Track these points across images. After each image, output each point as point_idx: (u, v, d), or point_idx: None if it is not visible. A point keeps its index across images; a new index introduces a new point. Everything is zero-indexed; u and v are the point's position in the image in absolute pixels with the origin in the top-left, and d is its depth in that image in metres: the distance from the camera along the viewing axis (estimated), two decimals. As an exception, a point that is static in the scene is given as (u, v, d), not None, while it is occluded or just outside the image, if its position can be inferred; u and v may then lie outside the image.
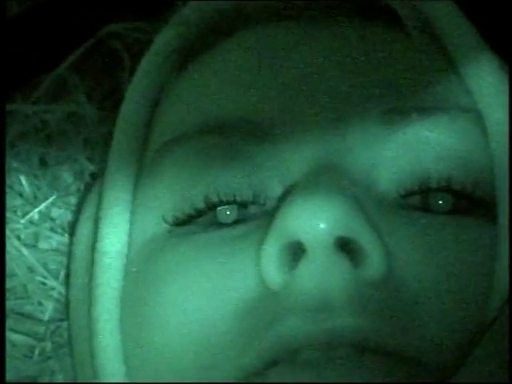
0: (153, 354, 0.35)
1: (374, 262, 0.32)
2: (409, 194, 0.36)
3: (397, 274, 0.33)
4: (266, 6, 0.41)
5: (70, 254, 0.45)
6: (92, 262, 0.40)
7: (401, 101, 0.37)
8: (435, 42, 0.39)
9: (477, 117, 0.37)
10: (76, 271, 0.43)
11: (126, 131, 0.42)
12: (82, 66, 0.52)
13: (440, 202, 0.36)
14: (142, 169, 0.41)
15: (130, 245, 0.39)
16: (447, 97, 0.37)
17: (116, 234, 0.39)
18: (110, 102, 0.49)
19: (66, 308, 0.46)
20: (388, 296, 0.32)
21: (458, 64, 0.38)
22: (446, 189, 0.36)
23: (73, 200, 0.49)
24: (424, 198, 0.36)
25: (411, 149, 0.36)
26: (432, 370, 0.31)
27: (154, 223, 0.38)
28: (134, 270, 0.38)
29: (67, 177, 0.50)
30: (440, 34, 0.39)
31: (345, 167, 0.35)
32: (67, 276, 0.45)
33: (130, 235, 0.40)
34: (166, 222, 0.38)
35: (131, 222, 0.40)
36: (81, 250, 0.43)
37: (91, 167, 0.49)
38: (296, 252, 0.32)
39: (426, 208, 0.36)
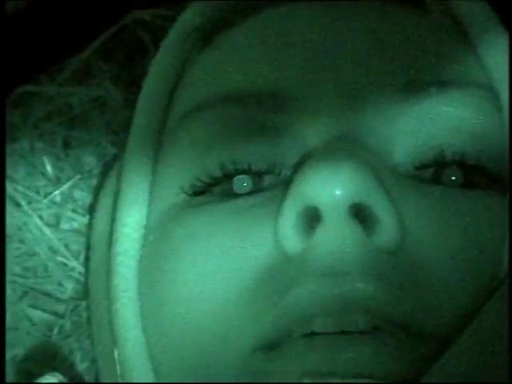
0: (171, 321, 0.36)
1: (388, 230, 0.33)
2: (423, 166, 0.37)
3: (409, 243, 0.33)
4: None
5: (90, 228, 0.46)
6: (111, 233, 0.41)
7: (419, 75, 0.38)
8: (455, 22, 0.40)
9: (492, 94, 0.38)
10: (96, 243, 0.44)
11: (148, 104, 0.43)
12: (107, 51, 0.53)
13: (453, 178, 0.37)
14: (162, 140, 0.42)
15: (148, 215, 0.40)
16: (464, 73, 0.38)
17: (135, 205, 0.40)
18: (134, 87, 0.49)
19: (85, 283, 0.46)
20: (400, 264, 0.33)
21: (476, 43, 0.39)
22: (460, 163, 0.37)
23: (95, 183, 0.49)
24: (438, 172, 0.37)
25: (427, 122, 0.37)
26: (434, 340, 0.32)
27: (172, 193, 0.39)
28: (152, 238, 0.39)
29: (90, 160, 0.50)
30: (459, 15, 0.40)
31: (361, 138, 0.36)
32: (87, 249, 0.46)
33: (149, 206, 0.41)
34: (183, 191, 0.39)
35: (150, 193, 0.41)
36: (101, 222, 0.44)
37: (114, 151, 0.50)
38: (313, 218, 0.33)
39: (439, 181, 0.37)
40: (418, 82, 0.37)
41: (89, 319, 0.45)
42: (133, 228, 0.40)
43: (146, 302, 0.38)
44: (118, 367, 0.38)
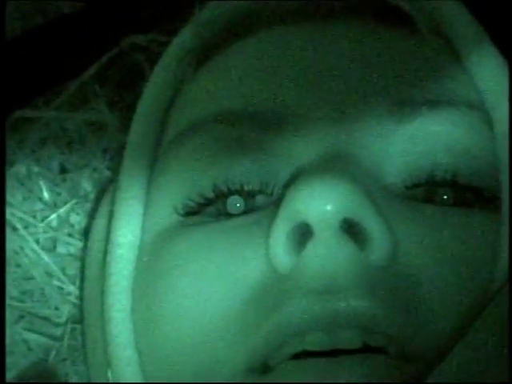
0: (163, 341, 0.37)
1: (379, 245, 0.33)
2: (414, 185, 0.37)
3: (401, 260, 0.34)
4: (280, 7, 0.44)
5: (85, 249, 0.47)
6: (105, 254, 0.41)
7: (410, 94, 0.38)
8: (444, 41, 0.41)
9: (483, 113, 0.38)
10: (90, 264, 0.45)
11: (142, 127, 0.44)
12: (104, 75, 0.54)
13: (444, 197, 0.37)
14: (156, 162, 0.43)
15: (142, 236, 0.41)
16: (456, 92, 0.39)
17: (129, 226, 0.41)
18: (131, 111, 0.49)
19: (80, 305, 0.47)
20: (392, 280, 0.33)
21: (466, 61, 0.40)
22: (452, 182, 0.37)
23: (91, 207, 0.50)
24: (429, 191, 0.37)
25: (419, 142, 0.37)
26: (427, 357, 0.33)
27: (165, 214, 0.40)
28: (146, 259, 0.40)
29: (87, 184, 0.51)
30: (448, 33, 0.41)
31: (353, 157, 0.36)
32: (82, 273, 0.47)
33: (142, 227, 0.41)
34: (176, 212, 0.39)
35: (144, 214, 0.42)
36: (95, 244, 0.45)
37: (110, 175, 0.50)
38: (304, 234, 0.33)
39: (430, 200, 0.37)
40: (408, 101, 0.38)
41: (83, 342, 0.46)
42: (126, 249, 0.41)
43: (139, 323, 0.39)
44: None
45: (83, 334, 0.46)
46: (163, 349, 0.37)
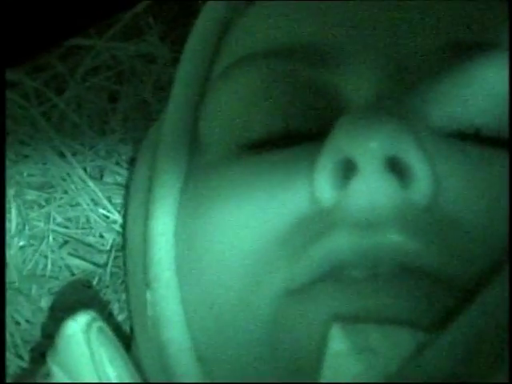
0: (204, 266, 0.37)
1: (422, 185, 0.33)
2: (460, 126, 0.37)
3: (444, 199, 0.34)
4: None
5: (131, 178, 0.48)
6: (150, 179, 0.42)
7: (462, 36, 0.38)
8: None
9: None
10: (135, 190, 0.45)
11: (193, 56, 0.44)
12: (158, 8, 0.54)
13: (489, 139, 0.37)
14: (206, 92, 0.43)
15: (189, 164, 0.42)
16: (506, 37, 0.38)
17: (175, 155, 0.42)
18: (183, 46, 0.50)
19: (123, 231, 0.48)
20: (434, 218, 0.34)
21: None
22: (496, 124, 0.37)
23: (139, 137, 0.50)
24: (474, 132, 0.37)
25: (468, 84, 0.37)
26: (461, 291, 0.33)
27: (213, 146, 0.40)
28: (191, 186, 0.40)
29: (136, 115, 0.51)
30: None
31: (400, 96, 0.36)
32: (127, 198, 0.48)
33: (189, 155, 0.42)
34: (224, 142, 0.40)
35: (190, 144, 0.42)
36: (141, 171, 0.45)
37: (160, 107, 0.51)
38: (348, 170, 0.34)
39: (478, 143, 0.37)
40: (459, 43, 0.38)
41: (125, 268, 0.46)
42: (172, 175, 0.41)
43: (182, 247, 0.40)
44: (149, 309, 0.39)
45: (124, 257, 0.46)
46: (203, 273, 0.38)
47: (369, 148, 0.32)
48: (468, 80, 0.37)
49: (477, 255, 0.34)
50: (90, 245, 0.49)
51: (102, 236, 0.49)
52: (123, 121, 0.51)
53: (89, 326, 0.40)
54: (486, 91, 0.37)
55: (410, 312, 0.32)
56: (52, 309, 0.48)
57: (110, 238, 0.49)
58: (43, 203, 0.50)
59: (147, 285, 0.40)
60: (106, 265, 0.48)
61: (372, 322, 0.32)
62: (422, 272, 0.33)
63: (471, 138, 0.37)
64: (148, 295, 0.39)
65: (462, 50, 0.38)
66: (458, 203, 0.34)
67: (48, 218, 0.49)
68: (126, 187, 0.49)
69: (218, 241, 0.37)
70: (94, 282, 0.48)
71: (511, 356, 0.31)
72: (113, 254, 0.48)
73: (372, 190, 0.33)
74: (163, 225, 0.40)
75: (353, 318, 0.32)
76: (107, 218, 0.49)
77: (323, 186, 0.34)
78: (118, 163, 0.50)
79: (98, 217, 0.49)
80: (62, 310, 0.47)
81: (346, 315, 0.32)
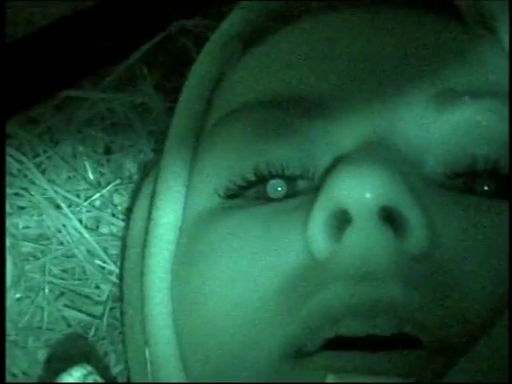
0: (201, 322, 0.38)
1: (417, 235, 0.34)
2: (455, 175, 0.38)
3: (439, 250, 0.35)
4: None
5: (126, 230, 0.48)
6: (146, 234, 0.43)
7: (453, 83, 0.39)
8: (488, 31, 0.42)
9: None
10: (131, 244, 0.46)
11: (186, 109, 0.45)
12: (152, 58, 0.55)
13: (485, 188, 0.38)
14: (199, 144, 0.44)
15: (183, 218, 0.42)
16: (498, 83, 0.39)
17: (171, 207, 0.42)
18: (177, 95, 0.51)
19: (119, 284, 0.48)
20: (429, 270, 0.34)
21: (508, 52, 0.40)
22: (493, 172, 0.38)
23: (136, 188, 0.51)
24: (470, 181, 0.38)
25: (461, 131, 0.38)
26: (460, 347, 0.33)
27: (207, 196, 0.41)
28: (185, 240, 0.41)
29: (131, 166, 0.53)
30: (492, 23, 0.41)
31: (394, 145, 0.37)
32: (123, 252, 0.48)
33: (184, 208, 0.42)
34: (218, 194, 0.40)
35: (186, 196, 0.43)
36: (136, 224, 0.46)
37: (155, 158, 0.52)
38: (343, 221, 0.34)
39: (470, 190, 0.38)
40: (451, 90, 0.39)
41: (122, 320, 0.47)
42: (167, 229, 0.42)
43: (178, 303, 0.40)
44: (149, 366, 0.40)
45: (122, 313, 0.47)
46: (200, 330, 0.38)
47: (362, 198, 0.33)
48: (461, 126, 0.38)
49: (473, 307, 0.34)
50: (86, 296, 0.50)
51: (98, 287, 0.50)
52: (118, 172, 0.52)
53: (84, 379, 0.41)
54: (481, 136, 0.38)
55: (406, 368, 0.33)
56: (48, 361, 0.48)
57: (106, 289, 0.50)
58: (39, 255, 0.51)
59: (146, 342, 0.40)
60: (102, 316, 0.49)
61: (366, 376, 0.32)
62: (419, 325, 0.33)
63: (468, 181, 0.38)
64: (147, 352, 0.40)
65: (455, 98, 0.38)
66: (453, 253, 0.35)
67: (44, 269, 0.50)
68: (122, 238, 0.50)
69: (213, 297, 0.37)
70: (91, 334, 0.49)
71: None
72: (109, 305, 0.49)
73: (366, 241, 0.34)
74: (160, 281, 0.41)
75: (347, 371, 0.33)
76: (103, 268, 0.50)
77: (318, 238, 0.35)
78: (113, 214, 0.51)
79: (94, 268, 0.50)
80: (58, 361, 0.48)
81: (341, 369, 0.33)
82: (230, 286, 0.37)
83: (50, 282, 0.50)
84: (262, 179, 0.39)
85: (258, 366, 0.35)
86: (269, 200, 0.39)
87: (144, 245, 0.43)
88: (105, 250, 0.50)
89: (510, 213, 0.36)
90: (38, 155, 0.52)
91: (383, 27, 0.41)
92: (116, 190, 0.52)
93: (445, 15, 0.43)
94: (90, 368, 0.41)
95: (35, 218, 0.51)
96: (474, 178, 0.38)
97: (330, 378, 0.33)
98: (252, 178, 0.39)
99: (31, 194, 0.51)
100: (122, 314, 0.47)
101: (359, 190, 0.33)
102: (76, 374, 0.41)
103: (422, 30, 0.41)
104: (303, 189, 0.39)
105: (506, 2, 0.41)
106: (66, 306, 0.49)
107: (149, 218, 0.43)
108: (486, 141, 0.38)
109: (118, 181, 0.52)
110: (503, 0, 0.41)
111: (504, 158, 0.38)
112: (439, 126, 0.38)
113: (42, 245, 0.50)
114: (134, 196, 0.50)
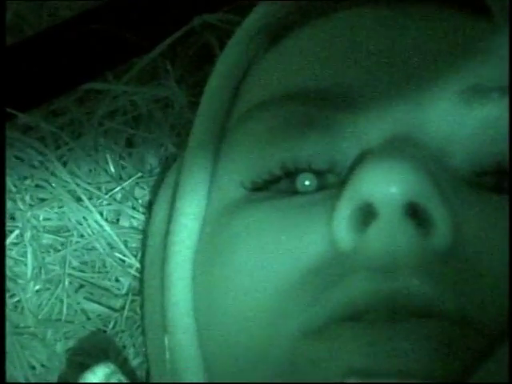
0: (222, 311, 0.39)
1: (442, 232, 0.35)
2: (483, 173, 0.38)
3: (463, 247, 0.35)
4: None
5: (148, 221, 0.49)
6: (169, 222, 0.44)
7: (481, 79, 0.39)
8: None
9: None
10: (153, 234, 0.47)
11: (212, 101, 0.46)
12: (175, 52, 0.56)
13: None
14: (225, 136, 0.45)
15: (207, 208, 0.43)
16: None
17: (195, 197, 0.43)
18: (199, 89, 0.51)
19: (140, 275, 0.49)
20: (452, 266, 0.35)
21: None
22: None
23: (157, 182, 0.52)
24: (498, 179, 0.38)
25: (488, 128, 0.38)
26: (489, 337, 0.34)
27: (232, 188, 0.42)
28: (209, 230, 0.42)
29: (152, 159, 0.53)
30: None
31: (421, 140, 0.38)
32: (144, 243, 0.49)
33: (208, 198, 0.43)
34: (244, 187, 0.41)
35: (210, 187, 0.44)
36: (159, 214, 0.47)
37: (176, 152, 0.53)
38: (368, 215, 0.35)
39: (498, 189, 0.38)
40: (480, 86, 0.39)
41: (141, 313, 0.48)
42: (191, 218, 0.43)
43: (199, 291, 0.41)
44: (168, 353, 0.41)
45: (142, 305, 0.48)
46: (221, 317, 0.39)
47: (388, 193, 0.34)
48: (489, 123, 0.39)
49: (495, 302, 0.35)
50: (106, 289, 0.51)
51: (117, 280, 0.51)
52: (140, 165, 0.53)
53: (107, 379, 0.42)
54: (506, 131, 0.38)
55: (425, 364, 0.33)
56: (68, 353, 0.49)
57: (125, 283, 0.51)
58: (59, 247, 0.52)
59: (165, 329, 0.41)
60: (122, 309, 0.50)
61: (387, 379, 0.33)
62: (440, 318, 0.34)
63: (495, 180, 0.38)
64: (166, 340, 0.41)
65: (483, 93, 0.39)
66: (477, 250, 0.35)
67: (64, 262, 0.51)
68: (143, 231, 0.51)
69: (236, 285, 0.38)
70: (110, 326, 0.50)
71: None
72: (129, 299, 0.50)
73: (391, 235, 0.34)
74: (181, 270, 0.42)
75: (367, 371, 0.33)
76: (123, 262, 0.51)
77: (342, 230, 0.36)
78: (134, 207, 0.52)
79: (114, 261, 0.51)
80: (77, 354, 0.49)
81: (360, 367, 0.33)
82: (252, 276, 0.38)
83: (70, 275, 0.51)
84: (288, 174, 0.40)
85: (278, 349, 0.36)
86: (295, 193, 0.40)
87: (166, 234, 0.44)
88: (125, 243, 0.51)
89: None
90: (59, 147, 0.53)
91: (410, 23, 0.42)
92: (137, 183, 0.53)
93: (472, 11, 0.43)
94: (113, 367, 0.42)
95: (56, 210, 0.52)
96: (501, 177, 0.38)
97: (351, 379, 0.33)
98: (279, 172, 0.40)
99: (52, 186, 0.52)
100: (141, 305, 0.48)
101: (385, 185, 0.34)
102: (100, 372, 0.41)
103: (448, 26, 0.42)
104: (331, 183, 0.39)
105: None
106: (85, 298, 0.50)
107: (172, 207, 0.44)
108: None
109: (139, 174, 0.53)
110: None
111: None
112: (467, 122, 0.39)
113: (63, 237, 0.51)
114: (156, 188, 0.51)
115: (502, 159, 0.38)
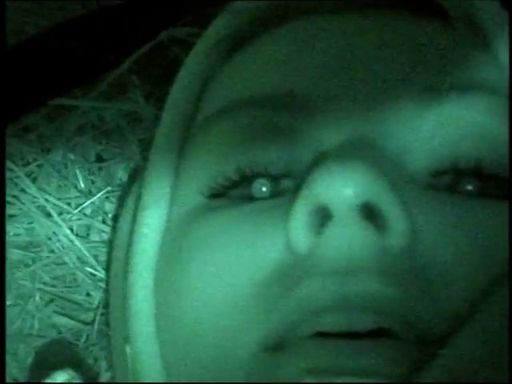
0: (182, 319, 0.40)
1: (397, 231, 0.35)
2: (439, 173, 0.39)
3: (419, 247, 0.36)
4: None
5: (114, 231, 0.50)
6: (131, 232, 0.45)
7: (438, 80, 0.40)
8: (472, 29, 0.43)
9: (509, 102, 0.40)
10: (118, 246, 0.48)
11: (173, 112, 0.47)
12: (142, 67, 0.57)
13: (469, 187, 0.39)
14: (185, 145, 0.46)
15: (168, 217, 0.44)
16: (483, 80, 0.41)
17: (156, 207, 0.44)
18: (167, 104, 0.53)
19: (106, 287, 0.50)
20: (408, 265, 0.36)
21: (494, 49, 0.42)
22: (476, 170, 0.39)
23: (123, 194, 0.54)
24: (454, 180, 0.39)
25: (445, 128, 0.39)
26: (440, 341, 0.34)
27: (191, 196, 0.43)
28: (170, 239, 0.43)
29: (121, 174, 0.55)
30: (477, 21, 0.42)
31: (377, 143, 0.39)
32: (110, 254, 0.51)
33: (169, 208, 0.44)
34: (202, 194, 0.42)
35: (172, 196, 0.45)
36: (124, 227, 0.48)
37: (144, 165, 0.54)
38: (324, 217, 0.36)
39: (454, 189, 0.39)
40: (437, 86, 0.40)
41: (108, 321, 0.49)
42: (152, 229, 0.44)
43: (161, 300, 0.42)
44: (130, 362, 0.42)
45: (108, 314, 0.49)
46: (181, 326, 0.40)
47: (343, 195, 0.34)
48: (446, 123, 0.39)
49: (454, 302, 0.36)
50: (77, 303, 0.52)
51: (88, 294, 0.52)
52: (109, 179, 0.54)
53: None
54: (464, 134, 0.39)
55: (384, 366, 0.34)
56: (38, 367, 0.50)
57: (96, 296, 0.52)
58: (29, 262, 0.53)
59: (127, 339, 0.42)
60: (93, 322, 0.51)
61: (345, 378, 0.34)
62: (399, 320, 0.35)
63: (451, 180, 0.39)
64: (128, 349, 0.42)
65: (440, 93, 0.40)
66: (434, 250, 0.36)
67: (34, 276, 0.52)
68: (110, 241, 0.52)
69: (195, 294, 0.39)
70: (82, 340, 0.51)
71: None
72: (100, 312, 0.51)
73: (346, 237, 0.35)
74: (142, 279, 0.43)
75: (326, 373, 0.34)
76: (94, 276, 0.52)
77: (299, 233, 0.36)
78: (104, 221, 0.53)
79: (85, 275, 0.52)
80: (48, 368, 0.50)
81: (319, 371, 0.34)
82: (211, 282, 0.38)
83: (41, 290, 0.52)
84: (245, 179, 0.41)
85: (238, 359, 0.37)
86: (252, 199, 0.40)
87: (128, 245, 0.45)
88: (95, 257, 0.52)
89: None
90: (28, 163, 0.55)
91: (368, 28, 0.43)
92: (107, 197, 0.54)
93: (430, 17, 0.44)
94: (73, 373, 0.43)
95: (25, 225, 0.53)
96: (457, 177, 0.39)
97: (308, 379, 0.34)
98: (235, 177, 0.41)
99: (22, 202, 0.53)
100: (108, 315, 0.49)
101: (339, 187, 0.34)
102: (59, 378, 0.42)
103: (408, 33, 0.43)
104: (287, 188, 0.40)
105: (492, 2, 0.42)
106: (56, 312, 0.51)
107: (134, 218, 0.45)
108: (470, 138, 0.39)
109: (108, 188, 0.54)
110: (492, 2, 0.43)
111: (488, 156, 0.39)
112: (424, 122, 0.39)
113: (33, 252, 0.53)
114: (123, 201, 0.52)
115: (455, 159, 0.39)
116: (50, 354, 0.50)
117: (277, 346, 0.36)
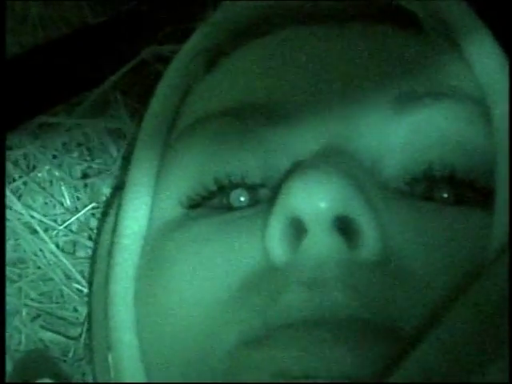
0: (162, 325, 0.40)
1: (369, 243, 0.36)
2: (413, 181, 0.40)
3: (393, 258, 0.36)
4: (290, 10, 0.47)
5: (95, 243, 0.51)
6: (112, 244, 0.45)
7: (412, 87, 0.41)
8: (447, 37, 0.44)
9: (484, 108, 0.41)
10: (100, 257, 0.48)
11: (152, 124, 0.47)
12: (125, 84, 0.59)
13: (444, 195, 0.39)
14: (165, 155, 0.46)
15: (148, 228, 0.45)
16: (458, 86, 0.41)
17: (135, 218, 0.45)
18: (151, 120, 0.54)
19: (89, 300, 0.51)
20: (381, 277, 0.36)
21: (468, 57, 0.42)
22: (450, 177, 0.39)
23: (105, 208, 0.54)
24: (428, 188, 0.40)
25: (420, 135, 0.40)
26: (412, 344, 0.35)
27: (171, 207, 0.43)
28: (149, 249, 0.43)
29: (106, 190, 0.56)
30: (451, 30, 0.43)
31: (352, 151, 0.39)
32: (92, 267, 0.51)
33: (149, 219, 0.45)
34: (181, 204, 0.43)
35: (151, 207, 0.45)
36: (105, 238, 0.48)
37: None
38: (300, 229, 0.36)
39: (429, 197, 0.39)
40: (411, 93, 0.40)
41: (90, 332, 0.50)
42: (132, 239, 0.44)
43: (141, 309, 0.43)
44: (112, 370, 0.43)
45: (90, 324, 0.50)
46: (162, 332, 0.40)
47: (316, 208, 0.35)
48: (421, 129, 0.40)
49: (429, 313, 0.36)
50: (63, 318, 0.53)
51: (75, 310, 0.53)
52: (95, 196, 0.55)
53: None
54: (439, 140, 0.40)
55: (357, 368, 0.34)
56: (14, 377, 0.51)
57: (83, 312, 0.53)
58: (16, 278, 0.54)
59: (109, 348, 0.43)
60: (79, 337, 0.52)
61: (316, 380, 0.34)
62: (365, 327, 0.35)
63: (426, 188, 0.40)
64: (110, 358, 0.43)
65: (415, 99, 0.40)
66: (407, 260, 0.37)
67: (20, 293, 0.53)
68: (92, 255, 0.53)
69: (174, 302, 0.40)
70: (70, 355, 0.52)
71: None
72: (86, 327, 0.52)
73: (319, 249, 0.36)
74: (123, 288, 0.43)
75: (296, 376, 0.34)
76: (80, 291, 0.53)
77: (275, 245, 0.37)
78: (90, 237, 0.54)
79: (71, 291, 0.53)
80: (27, 378, 0.51)
81: (290, 373, 0.35)
82: (189, 292, 0.39)
83: (28, 305, 0.53)
84: (222, 188, 0.41)
85: (216, 359, 0.37)
86: (231, 209, 0.41)
87: (109, 255, 0.45)
88: (81, 273, 0.53)
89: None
90: (14, 180, 0.55)
91: (342, 37, 0.44)
92: (92, 213, 0.55)
93: (403, 23, 0.45)
94: (50, 381, 0.44)
95: (11, 242, 0.54)
96: (432, 185, 0.40)
97: (281, 379, 0.35)
98: (212, 187, 0.42)
99: (8, 219, 0.54)
100: (90, 326, 0.50)
101: (313, 199, 0.35)
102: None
103: (382, 41, 0.44)
104: (264, 197, 0.41)
105: (466, 12, 0.43)
106: (43, 328, 0.52)
107: (114, 229, 0.46)
108: (443, 145, 0.40)
109: (94, 204, 0.55)
110: (457, 3, 0.44)
111: (462, 163, 0.40)
112: (399, 129, 0.40)
113: (19, 268, 0.53)
114: (105, 215, 0.52)
115: (429, 167, 0.40)
116: (29, 365, 0.51)
117: (255, 342, 0.36)
